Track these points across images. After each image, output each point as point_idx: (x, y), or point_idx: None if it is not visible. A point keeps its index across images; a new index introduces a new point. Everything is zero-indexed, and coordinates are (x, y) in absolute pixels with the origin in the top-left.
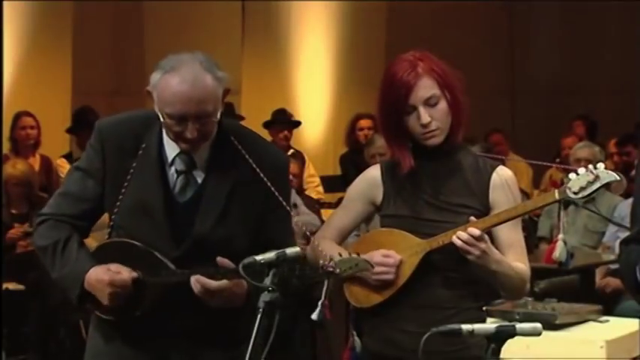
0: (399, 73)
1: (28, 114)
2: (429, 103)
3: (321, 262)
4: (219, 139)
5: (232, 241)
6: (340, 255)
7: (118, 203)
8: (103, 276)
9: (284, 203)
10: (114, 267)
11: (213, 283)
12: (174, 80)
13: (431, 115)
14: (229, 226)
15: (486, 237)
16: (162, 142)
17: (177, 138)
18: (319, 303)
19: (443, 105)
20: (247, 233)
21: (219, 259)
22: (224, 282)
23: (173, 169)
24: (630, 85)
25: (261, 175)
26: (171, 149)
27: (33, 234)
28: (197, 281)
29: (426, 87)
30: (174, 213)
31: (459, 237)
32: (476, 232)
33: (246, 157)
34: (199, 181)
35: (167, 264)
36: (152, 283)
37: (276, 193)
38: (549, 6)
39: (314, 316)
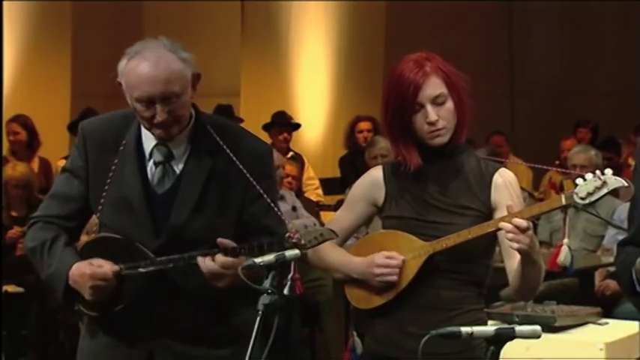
0: (407, 72)
1: (15, 119)
2: (437, 101)
3: (286, 234)
4: (196, 129)
5: (213, 231)
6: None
7: (102, 200)
8: (85, 270)
9: (261, 191)
10: (96, 261)
11: (219, 259)
12: (139, 63)
13: (438, 113)
14: (207, 215)
15: (531, 225)
16: (140, 136)
17: (149, 124)
18: (289, 277)
19: (450, 104)
20: (229, 223)
21: (219, 240)
22: (232, 259)
23: (152, 161)
24: (629, 87)
25: (238, 163)
26: (148, 142)
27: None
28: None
29: (434, 85)
30: (153, 204)
31: (506, 229)
32: (523, 223)
33: (224, 146)
34: (177, 171)
35: (147, 254)
36: (133, 275)
37: (254, 182)
38: (548, 7)
39: (285, 291)
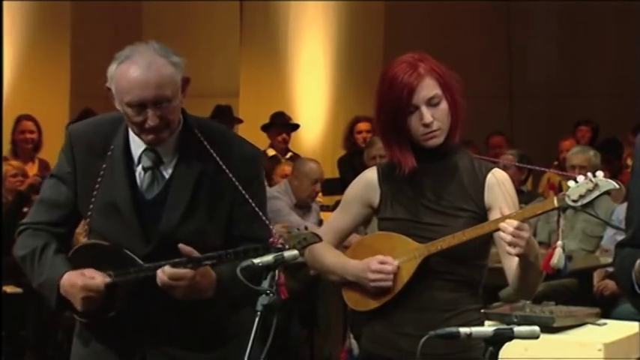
0: (400, 74)
1: (29, 118)
2: (432, 102)
3: (270, 239)
4: (184, 133)
5: (203, 236)
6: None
7: (92, 206)
8: (76, 281)
9: (248, 196)
10: (88, 272)
11: (167, 270)
12: (130, 68)
13: (433, 115)
14: (197, 220)
15: (527, 226)
16: (128, 141)
17: (140, 129)
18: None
19: (444, 105)
20: (218, 228)
21: (180, 246)
22: (182, 270)
23: (140, 166)
24: (628, 88)
25: (224, 168)
26: (137, 147)
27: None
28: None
29: (428, 87)
30: (142, 210)
31: (504, 230)
32: (514, 222)
33: (210, 150)
34: (166, 177)
35: (136, 260)
36: (123, 283)
37: (242, 187)
38: (547, 8)
39: None
